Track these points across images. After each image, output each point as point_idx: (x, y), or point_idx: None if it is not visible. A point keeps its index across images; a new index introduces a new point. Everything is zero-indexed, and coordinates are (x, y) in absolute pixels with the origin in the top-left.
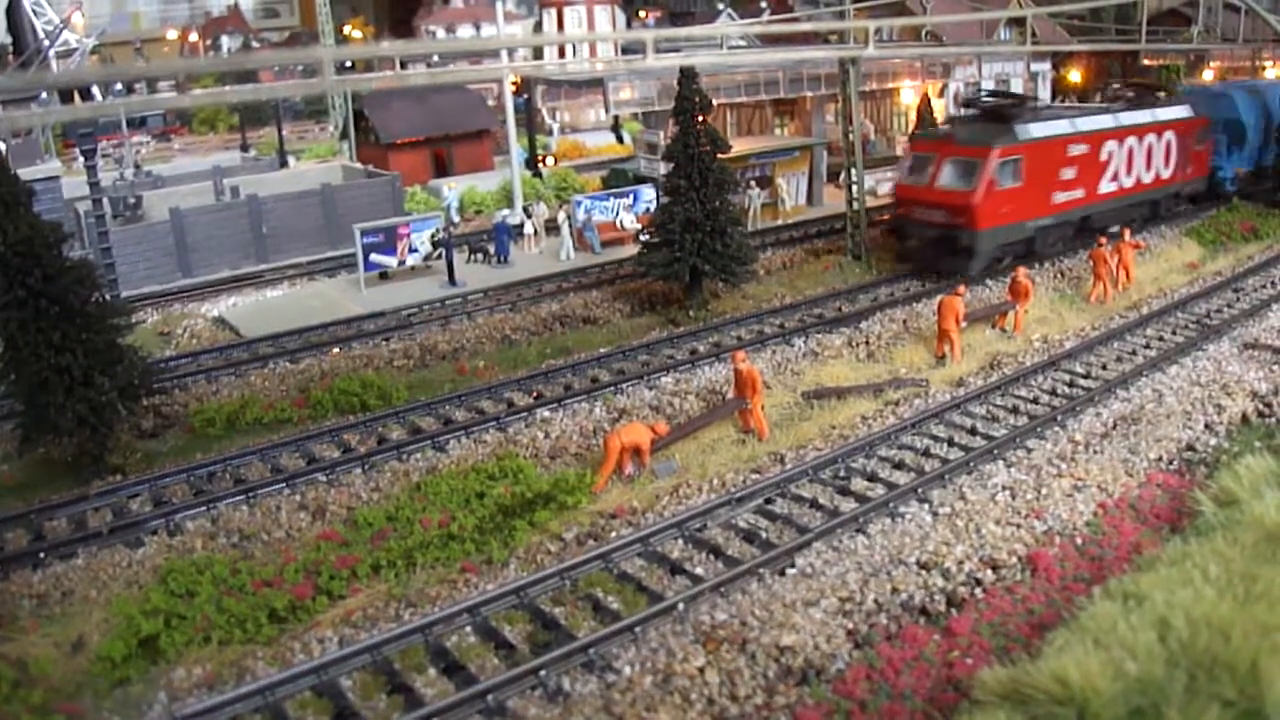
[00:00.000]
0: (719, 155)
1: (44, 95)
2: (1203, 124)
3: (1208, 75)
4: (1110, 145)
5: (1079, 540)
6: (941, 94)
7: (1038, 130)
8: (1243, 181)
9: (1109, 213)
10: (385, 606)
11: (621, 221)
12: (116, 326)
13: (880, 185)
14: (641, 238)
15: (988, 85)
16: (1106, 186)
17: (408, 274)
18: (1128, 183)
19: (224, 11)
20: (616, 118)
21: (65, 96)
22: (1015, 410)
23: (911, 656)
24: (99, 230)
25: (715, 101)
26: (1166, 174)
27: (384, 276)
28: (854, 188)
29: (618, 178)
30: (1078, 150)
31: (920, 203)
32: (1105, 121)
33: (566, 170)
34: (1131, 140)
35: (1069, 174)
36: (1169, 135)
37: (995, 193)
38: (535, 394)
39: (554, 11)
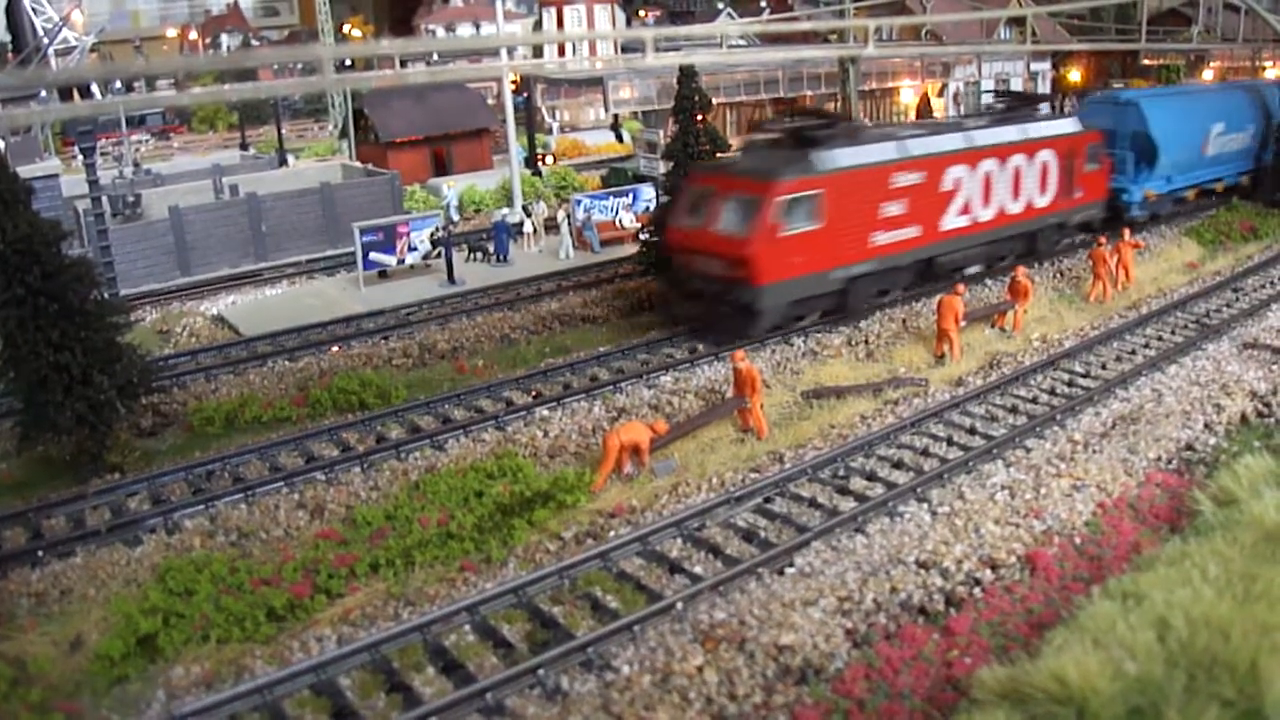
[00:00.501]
0: (718, 154)
1: (43, 93)
2: (1094, 140)
3: (1208, 75)
4: (957, 171)
5: (1078, 540)
6: (941, 93)
7: (845, 157)
8: (1155, 205)
9: (963, 252)
10: (384, 605)
11: (621, 220)
12: (115, 325)
13: None
14: (641, 236)
15: (978, 87)
16: (954, 221)
17: (407, 273)
18: (985, 215)
19: (223, 10)
20: (616, 116)
21: (64, 94)
22: (1014, 410)
23: (910, 656)
24: (98, 228)
25: (715, 100)
26: (1043, 201)
27: (383, 275)
28: None
29: (617, 176)
30: (908, 179)
31: (696, 250)
32: (951, 143)
33: (566, 169)
34: (989, 164)
35: (895, 209)
36: (1045, 155)
37: (781, 239)
38: (534, 393)
39: (554, 10)
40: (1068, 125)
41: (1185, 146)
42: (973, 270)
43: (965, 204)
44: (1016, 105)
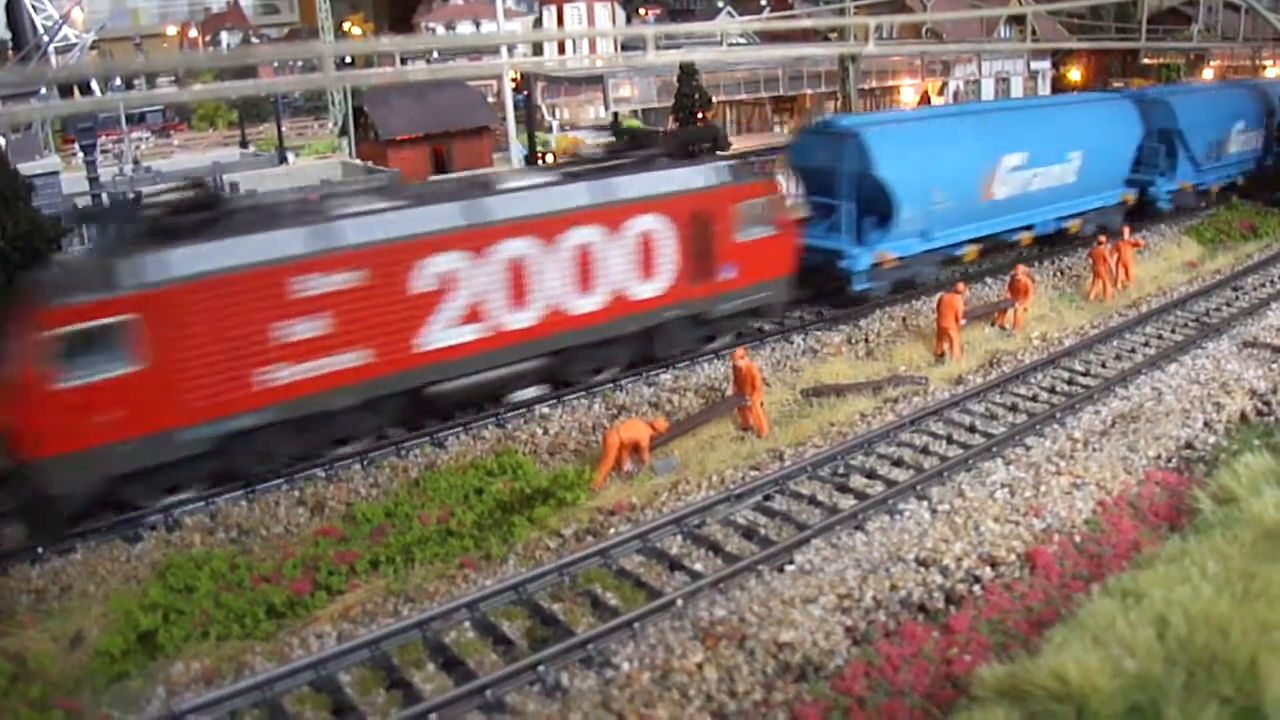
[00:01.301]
0: (718, 153)
1: (43, 90)
2: (756, 193)
3: (1208, 74)
4: (445, 262)
5: (1078, 538)
6: (941, 92)
7: (189, 260)
8: (901, 271)
9: (483, 375)
10: (384, 602)
11: None
12: None
13: None
14: None
15: (978, 85)
16: (452, 335)
17: None
18: (522, 320)
19: (223, 7)
20: (616, 114)
21: (65, 91)
22: (1014, 408)
23: (910, 653)
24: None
25: (715, 98)
26: (652, 289)
27: None
28: None
29: None
30: (332, 282)
31: None
32: (430, 220)
33: None
34: (519, 245)
35: (311, 328)
36: (647, 223)
37: (66, 390)
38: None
39: (554, 8)
40: (699, 176)
41: (946, 191)
42: (526, 395)
43: (472, 308)
44: (618, 151)
